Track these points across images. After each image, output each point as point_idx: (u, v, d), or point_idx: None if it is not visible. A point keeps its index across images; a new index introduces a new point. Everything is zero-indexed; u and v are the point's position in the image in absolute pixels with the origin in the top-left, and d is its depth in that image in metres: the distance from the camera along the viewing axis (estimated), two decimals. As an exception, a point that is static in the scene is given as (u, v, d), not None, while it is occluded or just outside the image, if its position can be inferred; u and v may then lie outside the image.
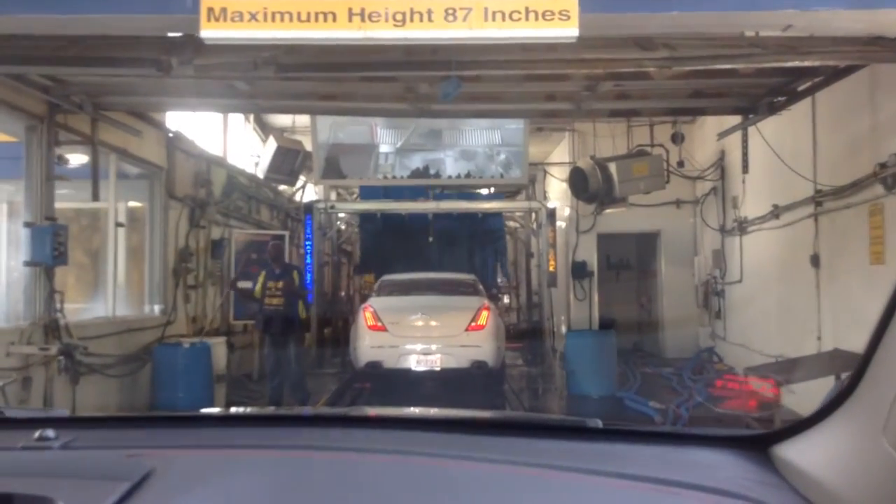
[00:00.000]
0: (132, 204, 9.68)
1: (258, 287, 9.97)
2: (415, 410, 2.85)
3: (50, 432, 1.44)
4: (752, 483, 1.31)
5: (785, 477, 1.32)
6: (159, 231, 9.61)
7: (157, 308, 9.58)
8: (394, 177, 12.06)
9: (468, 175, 12.07)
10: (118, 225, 8.88)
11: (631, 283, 17.29)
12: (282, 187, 15.52)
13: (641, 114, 7.33)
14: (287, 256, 12.59)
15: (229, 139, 13.09)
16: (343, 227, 17.72)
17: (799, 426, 1.36)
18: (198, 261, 10.61)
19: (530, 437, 1.65)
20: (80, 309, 8.52)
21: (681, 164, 13.39)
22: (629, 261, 17.38)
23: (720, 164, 13.00)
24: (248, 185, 12.93)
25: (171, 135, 9.76)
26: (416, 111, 6.59)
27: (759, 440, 1.46)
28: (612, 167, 12.14)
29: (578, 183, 12.73)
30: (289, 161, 11.24)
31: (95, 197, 8.01)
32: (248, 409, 4.65)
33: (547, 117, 8.97)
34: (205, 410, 4.13)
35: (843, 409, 1.26)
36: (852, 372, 1.24)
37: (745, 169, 8.88)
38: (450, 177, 12.06)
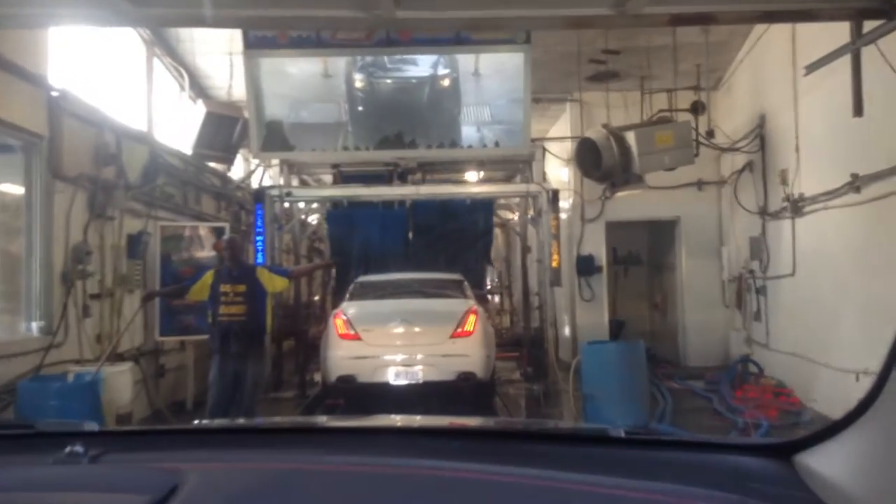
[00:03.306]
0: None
1: (196, 287, 7.58)
2: (437, 420, 2.70)
3: (79, 447, 1.49)
4: (775, 491, 1.33)
5: (808, 485, 1.32)
6: (40, 222, 7.14)
7: (35, 326, 7.11)
8: (357, 148, 9.52)
9: (452, 145, 9.53)
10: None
11: (641, 279, 14.96)
12: (235, 173, 13.08)
13: (717, 20, 4.94)
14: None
15: (157, 112, 10.59)
16: (314, 221, 15.30)
17: (822, 434, 1.35)
18: (102, 261, 8.14)
19: (551, 446, 1.68)
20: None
21: (710, 133, 11.08)
22: (638, 254, 15.04)
23: (758, 133, 10.67)
24: (181, 167, 10.45)
25: (54, 93, 7.29)
26: (375, 19, 4.22)
27: (783, 448, 1.44)
28: (631, 137, 9.87)
29: (588, 158, 10.41)
30: (224, 132, 8.79)
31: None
32: (280, 421, 4.20)
33: (572, 27, 6.54)
34: (233, 423, 3.99)
35: (865, 418, 1.26)
36: (874, 380, 1.24)
37: (859, 111, 6.50)
38: (429, 146, 9.52)
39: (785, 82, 9.63)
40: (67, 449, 1.48)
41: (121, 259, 8.62)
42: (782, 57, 9.70)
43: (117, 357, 8.18)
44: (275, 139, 8.92)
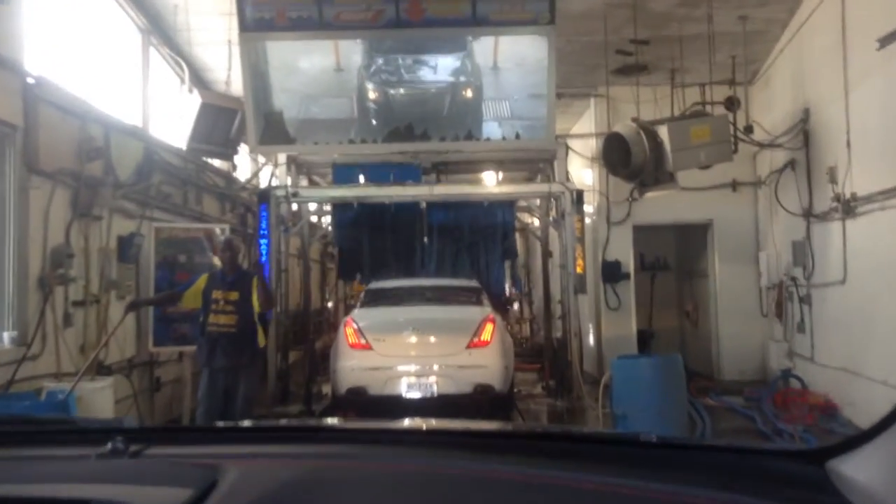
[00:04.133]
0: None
1: (190, 293, 6.91)
2: (465, 424, 2.60)
3: (121, 443, 1.53)
4: (808, 497, 1.33)
5: (841, 491, 1.30)
6: (13, 221, 6.45)
7: (7, 337, 6.40)
8: (363, 140, 8.74)
9: (468, 137, 8.71)
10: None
11: (669, 286, 14.10)
12: (242, 173, 12.39)
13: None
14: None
15: (155, 106, 9.92)
16: (327, 224, 14.61)
17: (856, 440, 1.34)
18: (87, 265, 7.44)
19: (580, 447, 1.67)
20: None
21: (749, 129, 10.25)
22: (666, 260, 14.20)
23: (802, 128, 9.82)
24: (180, 165, 9.77)
25: (30, 80, 6.60)
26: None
27: (816, 454, 1.41)
28: (663, 131, 9.07)
29: (615, 155, 9.61)
30: (222, 125, 8.06)
31: None
32: (319, 421, 4.14)
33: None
34: (271, 422, 3.95)
35: None
36: None
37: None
38: (443, 139, 8.72)
39: (833, 72, 8.81)
40: (109, 445, 1.53)
41: (110, 263, 7.93)
42: (830, 44, 8.88)
43: (104, 370, 7.49)
44: (274, 132, 8.19)
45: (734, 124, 9.91)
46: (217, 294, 6.63)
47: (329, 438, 1.80)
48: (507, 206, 11.66)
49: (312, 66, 9.29)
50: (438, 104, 9.19)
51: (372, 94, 9.15)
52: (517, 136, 8.80)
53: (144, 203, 8.75)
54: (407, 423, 2.66)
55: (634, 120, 9.48)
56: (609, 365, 11.43)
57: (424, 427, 2.24)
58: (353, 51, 8.87)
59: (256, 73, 7.92)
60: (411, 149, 9.23)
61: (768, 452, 1.60)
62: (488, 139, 8.89)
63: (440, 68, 9.31)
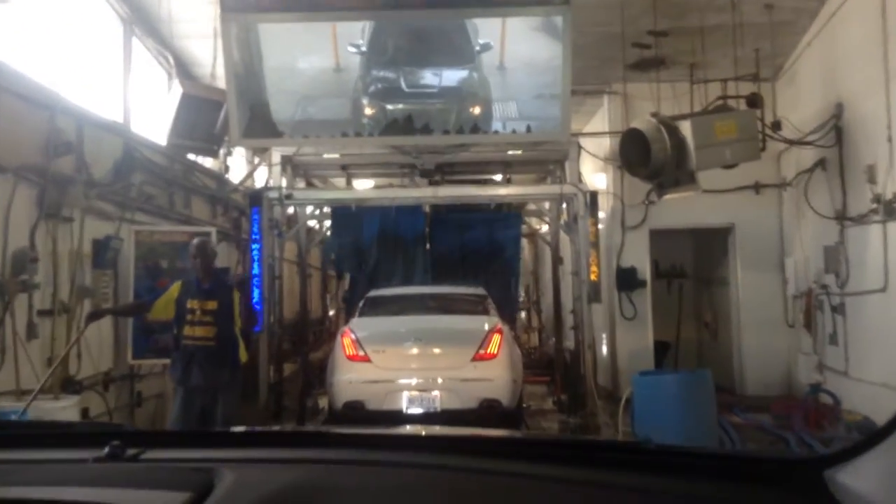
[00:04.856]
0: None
1: (161, 302, 6.24)
2: (464, 431, 2.61)
3: (118, 446, 1.55)
4: None
5: (839, 500, 1.30)
6: (-34, 221, 5.79)
7: (-43, 350, 5.74)
8: (358, 133, 7.99)
9: (474, 129, 7.96)
10: None
11: (686, 295, 13.34)
12: (236, 174, 11.71)
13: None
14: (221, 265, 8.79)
15: (140, 101, 9.26)
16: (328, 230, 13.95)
17: (854, 449, 1.33)
18: (55, 271, 6.75)
19: (584, 455, 1.65)
20: None
21: (777, 125, 9.53)
22: (682, 266, 13.44)
23: (834, 125, 9.10)
24: (166, 165, 9.10)
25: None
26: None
27: (814, 463, 1.41)
28: (686, 127, 8.37)
29: (633, 153, 8.92)
30: (205, 119, 7.36)
31: None
32: (317, 427, 4.12)
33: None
34: (268, 427, 3.81)
35: None
36: None
37: None
38: (446, 132, 7.96)
39: (871, 63, 8.11)
40: (107, 448, 1.53)
41: (82, 268, 7.26)
42: (867, 33, 8.19)
43: (73, 386, 6.81)
44: (260, 124, 7.48)
45: (762, 120, 9.19)
46: (193, 303, 5.95)
47: (327, 443, 1.79)
48: (514, 208, 10.99)
49: (311, 67, 8.58)
50: (443, 122, 8.38)
51: (368, 111, 8.41)
52: (528, 130, 8.06)
53: (123, 204, 8.08)
54: (407, 429, 2.63)
55: (654, 115, 8.78)
56: (627, 379, 10.76)
57: (423, 433, 2.24)
58: (352, 59, 8.15)
59: (241, 59, 7.19)
60: (411, 143, 8.49)
61: (767, 460, 1.60)
62: (496, 132, 8.13)
63: (444, 80, 8.49)
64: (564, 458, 1.56)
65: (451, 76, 8.49)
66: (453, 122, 8.28)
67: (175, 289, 6.18)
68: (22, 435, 1.94)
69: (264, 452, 1.64)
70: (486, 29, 8.29)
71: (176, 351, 6.06)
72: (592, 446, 1.87)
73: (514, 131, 8.13)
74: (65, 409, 5.78)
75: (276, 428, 4.28)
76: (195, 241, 6.40)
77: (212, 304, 5.95)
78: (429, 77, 8.43)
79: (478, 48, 8.37)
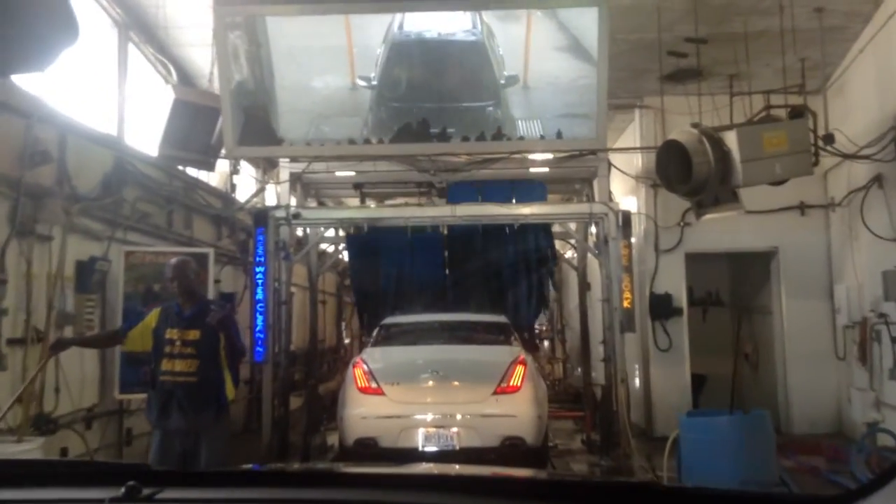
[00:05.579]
0: None
1: (136, 331, 5.48)
2: (484, 471, 2.59)
3: (135, 486, 1.53)
4: None
5: None
6: (-79, 238, 5.11)
7: None
8: (367, 140, 7.23)
9: (497, 136, 7.15)
10: None
11: (723, 324, 12.43)
12: (243, 193, 11.03)
13: None
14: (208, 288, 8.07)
15: (137, 112, 8.60)
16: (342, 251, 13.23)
17: (866, 488, 1.27)
18: (29, 294, 6.04)
19: (599, 497, 1.62)
20: None
21: (829, 138, 8.69)
22: (718, 294, 12.55)
23: (893, 138, 8.26)
24: (163, 181, 8.42)
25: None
26: None
27: (828, 503, 1.40)
28: (731, 138, 7.57)
29: (672, 168, 8.13)
30: (200, 128, 6.64)
31: None
32: (329, 466, 3.90)
33: None
34: (285, 466, 3.67)
35: None
36: None
37: None
38: (465, 138, 7.16)
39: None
40: (123, 488, 1.52)
41: (63, 292, 6.54)
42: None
43: (47, 425, 6.07)
44: (257, 131, 6.73)
45: (814, 131, 8.37)
46: (172, 333, 5.19)
47: (344, 483, 1.78)
48: (541, 228, 10.22)
49: (326, 86, 7.87)
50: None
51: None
52: (559, 135, 7.28)
53: (113, 222, 7.39)
54: (423, 467, 2.65)
55: (695, 126, 7.99)
56: (663, 416, 9.89)
57: (441, 472, 2.28)
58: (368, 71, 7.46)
59: (238, 59, 6.49)
60: (427, 151, 7.73)
61: (781, 500, 1.61)
62: (522, 138, 7.37)
63: (465, 119, 7.73)
64: (594, 501, 1.51)
65: (473, 115, 7.73)
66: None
67: (153, 317, 5.42)
68: (39, 474, 1.91)
69: (281, 493, 1.65)
70: (509, 45, 7.57)
71: (152, 388, 5.29)
72: (626, 489, 1.78)
73: (542, 137, 7.33)
74: (27, 453, 5.01)
75: (295, 466, 4.14)
76: (172, 260, 5.64)
77: (194, 334, 5.18)
78: (447, 115, 7.63)
79: (502, 81, 7.68)
